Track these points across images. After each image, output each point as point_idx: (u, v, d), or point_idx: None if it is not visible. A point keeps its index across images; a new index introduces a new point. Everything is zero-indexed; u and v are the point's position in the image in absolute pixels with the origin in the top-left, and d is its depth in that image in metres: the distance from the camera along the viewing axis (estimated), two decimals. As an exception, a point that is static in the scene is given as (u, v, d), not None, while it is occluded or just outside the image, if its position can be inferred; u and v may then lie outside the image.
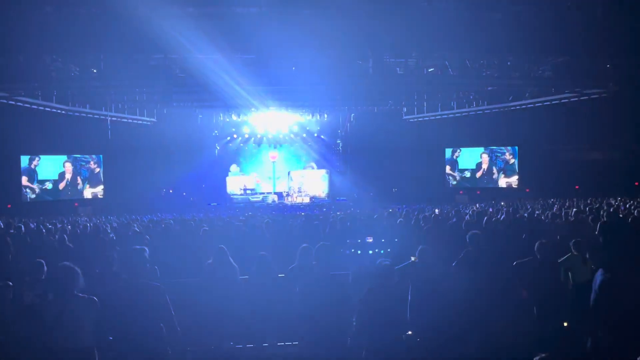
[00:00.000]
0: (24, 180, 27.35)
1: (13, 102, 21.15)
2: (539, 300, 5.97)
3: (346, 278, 6.14)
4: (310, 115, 32.94)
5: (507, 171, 31.43)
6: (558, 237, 8.64)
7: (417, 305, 5.50)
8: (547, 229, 9.80)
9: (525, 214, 11.85)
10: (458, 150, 32.97)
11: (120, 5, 13.94)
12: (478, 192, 31.11)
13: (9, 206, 24.74)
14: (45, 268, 5.84)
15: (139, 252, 4.39)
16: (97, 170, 30.33)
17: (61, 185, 28.79)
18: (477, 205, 22.48)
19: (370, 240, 7.78)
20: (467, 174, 32.63)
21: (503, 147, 31.56)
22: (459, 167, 33.01)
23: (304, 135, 34.73)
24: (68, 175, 29.11)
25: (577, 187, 26.49)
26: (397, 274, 5.11)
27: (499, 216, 11.96)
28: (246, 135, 34.25)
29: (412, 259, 6.34)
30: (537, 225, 10.31)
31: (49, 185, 28.32)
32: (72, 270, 4.75)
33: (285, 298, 5.86)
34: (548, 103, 24.21)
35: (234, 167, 34.70)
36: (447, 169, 33.25)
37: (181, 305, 5.24)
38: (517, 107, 25.80)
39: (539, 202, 20.79)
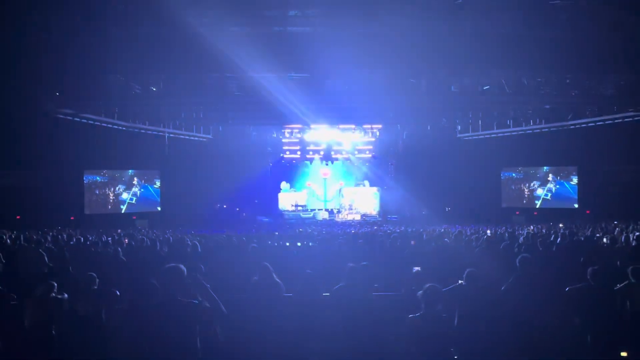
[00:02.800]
0: (87, 194, 28.68)
1: (78, 119, 22.20)
2: (592, 328, 5.70)
3: (390, 299, 6.07)
4: (363, 133, 32.99)
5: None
6: (618, 262, 8.27)
7: (464, 330, 5.37)
8: (606, 253, 9.38)
9: (582, 237, 11.40)
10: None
11: (180, 26, 14.47)
12: (535, 213, 30.16)
13: (72, 218, 25.83)
14: (97, 280, 6.06)
15: (175, 269, 4.44)
16: (158, 185, 31.32)
17: (124, 196, 30.02)
18: (532, 227, 21.78)
19: (418, 270, 7.58)
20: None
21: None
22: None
23: (356, 152, 34.73)
24: (130, 189, 30.30)
25: (641, 209, 25.28)
26: (443, 300, 4.98)
27: (555, 239, 11.55)
28: (298, 153, 34.56)
29: (460, 282, 6.20)
30: (596, 249, 9.90)
31: (111, 198, 29.59)
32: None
33: (330, 317, 5.85)
34: (610, 122, 23.31)
35: (283, 184, 35.07)
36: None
37: (225, 322, 5.31)
38: (577, 126, 24.97)
39: (599, 225, 19.94)
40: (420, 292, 4.97)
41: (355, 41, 16.08)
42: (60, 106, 20.32)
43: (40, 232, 16.81)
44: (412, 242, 8.04)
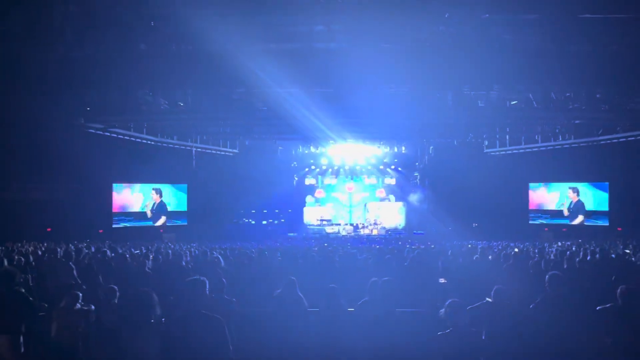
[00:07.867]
0: (115, 207, 29.06)
1: (107, 134, 22.61)
2: (623, 349, 5.50)
3: (414, 315, 5.97)
4: (388, 148, 32.87)
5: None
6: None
7: (491, 348, 5.25)
8: (638, 271, 9.11)
9: (613, 255, 11.10)
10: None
11: (208, 42, 14.65)
12: (564, 230, 29.56)
13: (101, 231, 26.21)
14: (118, 293, 6.09)
15: (197, 282, 4.41)
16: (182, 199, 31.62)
17: (148, 213, 30.26)
18: (560, 243, 21.33)
19: (443, 281, 7.45)
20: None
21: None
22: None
23: (382, 167, 34.64)
24: (153, 201, 30.56)
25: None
26: (468, 316, 4.89)
27: (584, 256, 11.28)
28: (324, 167, 34.64)
29: (487, 299, 6.08)
30: (628, 267, 9.62)
31: (140, 208, 29.93)
32: (149, 296, 4.91)
33: (354, 333, 5.77)
34: (642, 137, 22.79)
35: (309, 198, 35.12)
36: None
37: (247, 335, 5.29)
38: (607, 142, 24.46)
39: (632, 242, 19.43)
40: (442, 310, 4.89)
41: (380, 56, 16.03)
42: (90, 121, 20.70)
43: (65, 245, 17.09)
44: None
